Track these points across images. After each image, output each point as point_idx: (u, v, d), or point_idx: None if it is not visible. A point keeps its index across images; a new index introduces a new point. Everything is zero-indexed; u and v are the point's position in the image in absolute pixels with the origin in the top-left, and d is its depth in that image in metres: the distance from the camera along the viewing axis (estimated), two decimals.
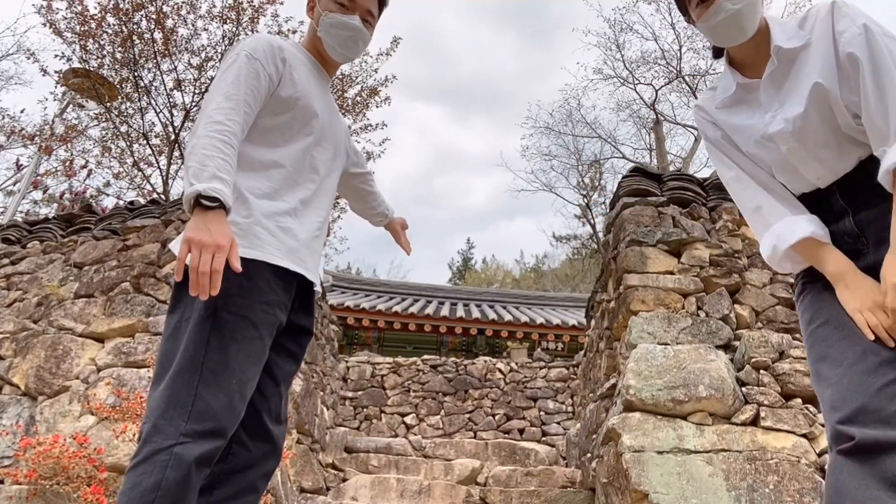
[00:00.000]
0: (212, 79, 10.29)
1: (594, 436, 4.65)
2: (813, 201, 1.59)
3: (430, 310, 13.74)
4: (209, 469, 1.47)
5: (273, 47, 1.78)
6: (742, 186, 1.67)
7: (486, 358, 10.52)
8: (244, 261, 1.52)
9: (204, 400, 1.44)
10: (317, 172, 1.85)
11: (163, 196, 8.72)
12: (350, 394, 9.62)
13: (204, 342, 1.49)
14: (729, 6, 1.50)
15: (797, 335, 3.99)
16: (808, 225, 1.52)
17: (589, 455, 4.79)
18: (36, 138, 10.18)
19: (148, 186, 10.14)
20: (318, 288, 1.86)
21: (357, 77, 11.16)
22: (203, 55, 9.67)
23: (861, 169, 1.49)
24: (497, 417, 9.46)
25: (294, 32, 10.37)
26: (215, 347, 1.49)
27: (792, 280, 2.25)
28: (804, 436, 3.63)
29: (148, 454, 1.39)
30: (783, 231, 1.55)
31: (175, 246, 1.63)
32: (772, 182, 1.64)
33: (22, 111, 15.07)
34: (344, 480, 5.76)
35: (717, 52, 1.76)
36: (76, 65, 9.17)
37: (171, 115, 9.64)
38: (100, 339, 4.80)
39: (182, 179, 1.62)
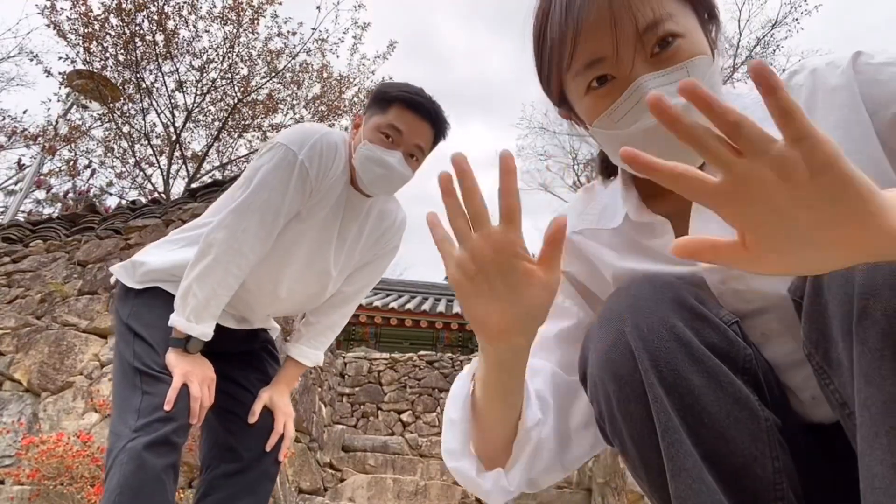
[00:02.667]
0: (213, 81, 10.37)
1: None
2: None
3: (426, 306, 13.79)
4: (174, 452, 1.52)
5: (325, 161, 1.69)
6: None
7: None
8: (145, 289, 1.75)
9: (150, 395, 1.54)
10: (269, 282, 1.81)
11: (163, 196, 8.78)
12: (347, 390, 9.61)
13: (132, 353, 1.63)
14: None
15: None
16: None
17: None
18: (39, 139, 10.21)
19: (149, 186, 10.21)
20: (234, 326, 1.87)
21: (355, 79, 11.22)
22: (205, 57, 9.72)
23: None
24: None
25: (294, 34, 10.40)
26: (140, 352, 1.63)
27: None
28: None
29: (112, 461, 1.46)
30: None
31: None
32: None
33: (24, 112, 15.13)
34: (341, 481, 5.75)
35: (611, 167, 1.02)
36: (80, 66, 9.22)
37: (173, 115, 9.71)
38: (103, 335, 4.84)
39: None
